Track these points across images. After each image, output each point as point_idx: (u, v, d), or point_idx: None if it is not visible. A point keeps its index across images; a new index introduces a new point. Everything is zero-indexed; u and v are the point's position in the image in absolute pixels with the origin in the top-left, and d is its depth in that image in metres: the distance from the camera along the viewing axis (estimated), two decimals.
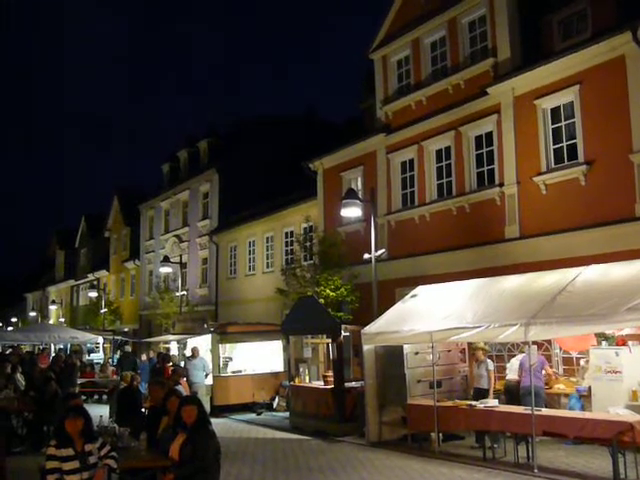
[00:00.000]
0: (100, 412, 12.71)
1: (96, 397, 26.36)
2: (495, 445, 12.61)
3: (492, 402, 12.85)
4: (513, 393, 14.12)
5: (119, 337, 38.19)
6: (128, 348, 30.63)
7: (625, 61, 14.87)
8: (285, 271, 23.06)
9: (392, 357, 14.72)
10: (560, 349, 15.33)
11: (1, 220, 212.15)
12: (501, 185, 17.68)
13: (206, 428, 7.99)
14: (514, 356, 15.23)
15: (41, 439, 13.95)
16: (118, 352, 36.01)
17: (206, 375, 20.13)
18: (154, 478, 8.10)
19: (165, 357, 22.03)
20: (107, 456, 7.32)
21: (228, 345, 21.89)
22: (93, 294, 45.54)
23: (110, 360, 34.00)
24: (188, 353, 21.38)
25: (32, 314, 62.29)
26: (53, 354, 30.04)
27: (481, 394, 13.91)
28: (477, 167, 18.78)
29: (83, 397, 25.00)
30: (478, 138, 18.81)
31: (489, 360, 14.47)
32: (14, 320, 69.71)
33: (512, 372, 14.62)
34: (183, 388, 16.90)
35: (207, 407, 19.62)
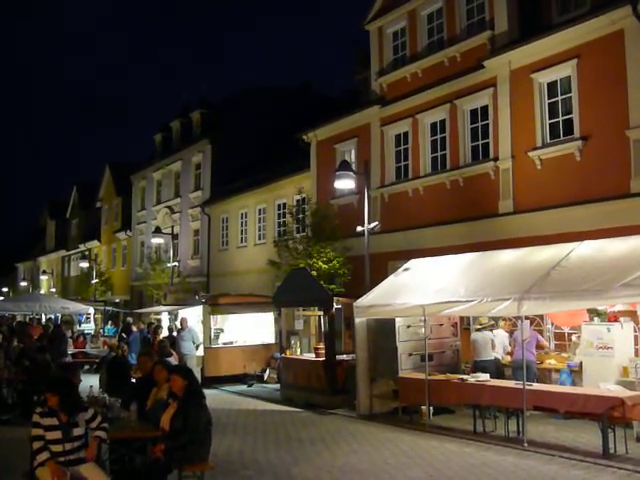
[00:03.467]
0: (91, 382, 12.66)
1: (87, 367, 26.35)
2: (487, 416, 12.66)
3: (483, 376, 12.85)
4: (492, 371, 13.70)
5: (110, 308, 38.15)
6: (130, 320, 30.38)
7: (624, 35, 14.72)
8: (277, 243, 22.99)
9: (384, 330, 14.70)
10: (552, 324, 15.33)
11: None
12: (496, 159, 17.59)
13: (197, 399, 7.97)
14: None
15: (31, 408, 13.91)
16: (109, 323, 36.06)
17: (197, 346, 20.12)
18: (144, 449, 8.08)
19: (156, 328, 22.00)
20: (98, 428, 7.29)
21: (219, 316, 21.90)
22: (84, 265, 45.33)
23: (101, 330, 33.97)
24: (179, 325, 21.36)
25: (23, 284, 62.18)
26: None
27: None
28: (472, 141, 18.68)
29: None
30: (473, 112, 18.68)
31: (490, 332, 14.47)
32: (5, 290, 69.57)
33: (485, 351, 14.35)
34: (174, 360, 16.94)
35: (198, 378, 19.67)
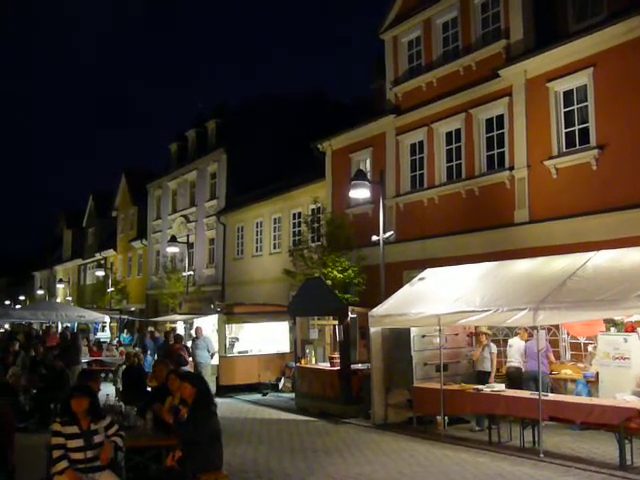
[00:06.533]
0: (107, 391, 12.72)
1: (102, 375, 26.44)
2: (493, 426, 12.55)
3: (499, 386, 12.80)
4: (514, 379, 13.99)
5: (126, 316, 38.27)
6: (151, 328, 30.31)
7: None
8: (292, 252, 23.00)
9: (399, 340, 14.66)
10: (568, 334, 15.24)
11: (10, 199, 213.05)
12: (511, 169, 17.55)
13: (206, 406, 8.00)
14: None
15: (48, 416, 13.99)
16: (125, 331, 36.12)
17: (212, 355, 20.14)
18: (160, 457, 8.10)
19: (177, 337, 21.96)
20: (115, 434, 7.33)
21: (235, 325, 21.88)
22: (100, 273, 45.57)
23: (118, 339, 34.05)
24: (194, 333, 21.38)
25: (40, 292, 62.52)
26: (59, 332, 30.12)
27: (484, 377, 13.87)
28: (487, 150, 18.65)
29: None
30: (489, 121, 18.66)
31: (492, 344, 14.42)
32: (22, 298, 70.03)
33: (511, 357, 14.44)
34: (190, 368, 16.97)
35: (212, 387, 19.68)
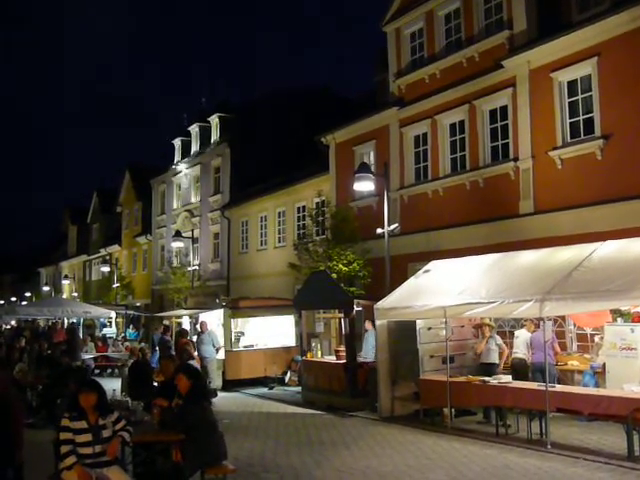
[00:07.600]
0: (113, 386, 12.72)
1: (109, 371, 26.55)
2: (501, 422, 12.53)
3: (505, 378, 12.77)
4: (518, 370, 13.97)
5: (131, 311, 38.38)
6: (166, 322, 30.14)
7: None
8: (297, 246, 22.99)
9: (405, 332, 14.64)
10: (574, 325, 15.21)
11: (16, 197, 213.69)
12: (516, 160, 17.49)
13: (199, 400, 8.04)
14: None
15: (54, 412, 14.02)
16: (131, 326, 36.22)
17: (217, 350, 20.16)
18: (167, 452, 8.11)
19: (182, 332, 21.95)
20: (122, 429, 7.34)
21: (240, 320, 21.89)
22: (105, 269, 45.69)
23: (123, 335, 34.14)
24: (199, 328, 21.42)
25: (45, 289, 62.69)
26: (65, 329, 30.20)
27: (489, 369, 13.82)
28: (491, 141, 18.57)
29: (97, 371, 25.30)
30: (493, 112, 18.57)
31: (496, 335, 14.38)
32: (28, 294, 70.23)
33: (516, 349, 14.42)
34: (196, 363, 17.00)
35: (219, 381, 19.75)
